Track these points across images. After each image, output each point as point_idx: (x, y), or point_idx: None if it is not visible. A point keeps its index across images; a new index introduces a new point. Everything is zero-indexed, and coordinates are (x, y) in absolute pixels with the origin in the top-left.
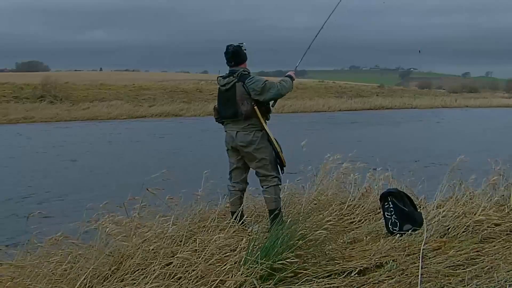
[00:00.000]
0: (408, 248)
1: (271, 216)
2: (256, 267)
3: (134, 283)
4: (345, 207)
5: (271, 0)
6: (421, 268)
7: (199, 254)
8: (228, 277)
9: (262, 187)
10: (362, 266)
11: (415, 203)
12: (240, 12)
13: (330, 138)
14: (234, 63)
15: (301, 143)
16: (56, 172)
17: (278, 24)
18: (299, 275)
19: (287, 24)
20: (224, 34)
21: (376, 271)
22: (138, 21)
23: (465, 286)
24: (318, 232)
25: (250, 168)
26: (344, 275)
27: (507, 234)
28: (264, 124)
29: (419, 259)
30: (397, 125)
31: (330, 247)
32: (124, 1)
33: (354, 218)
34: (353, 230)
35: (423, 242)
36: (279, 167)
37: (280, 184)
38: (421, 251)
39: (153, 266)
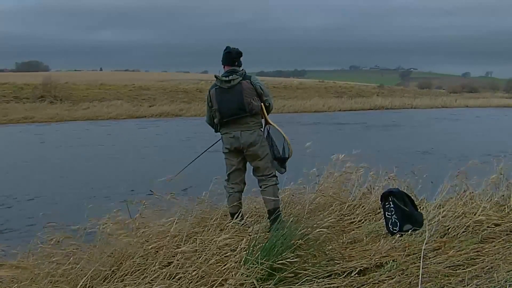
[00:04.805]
0: (408, 248)
1: (270, 216)
2: (256, 267)
3: (134, 283)
4: (346, 207)
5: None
6: (422, 268)
7: (199, 254)
8: (228, 277)
9: (260, 187)
10: (362, 266)
11: (415, 203)
12: (241, 12)
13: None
14: (238, 64)
15: (306, 145)
16: (60, 172)
17: (283, 25)
18: (299, 275)
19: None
20: (224, 35)
21: (376, 271)
22: (138, 22)
23: (465, 286)
24: (317, 230)
25: (246, 168)
26: (344, 275)
27: (507, 234)
28: (268, 119)
29: (419, 259)
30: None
31: (330, 247)
32: (124, 2)
33: (354, 218)
34: (353, 230)
35: (425, 242)
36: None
37: (278, 184)
38: (422, 251)
39: (153, 266)
